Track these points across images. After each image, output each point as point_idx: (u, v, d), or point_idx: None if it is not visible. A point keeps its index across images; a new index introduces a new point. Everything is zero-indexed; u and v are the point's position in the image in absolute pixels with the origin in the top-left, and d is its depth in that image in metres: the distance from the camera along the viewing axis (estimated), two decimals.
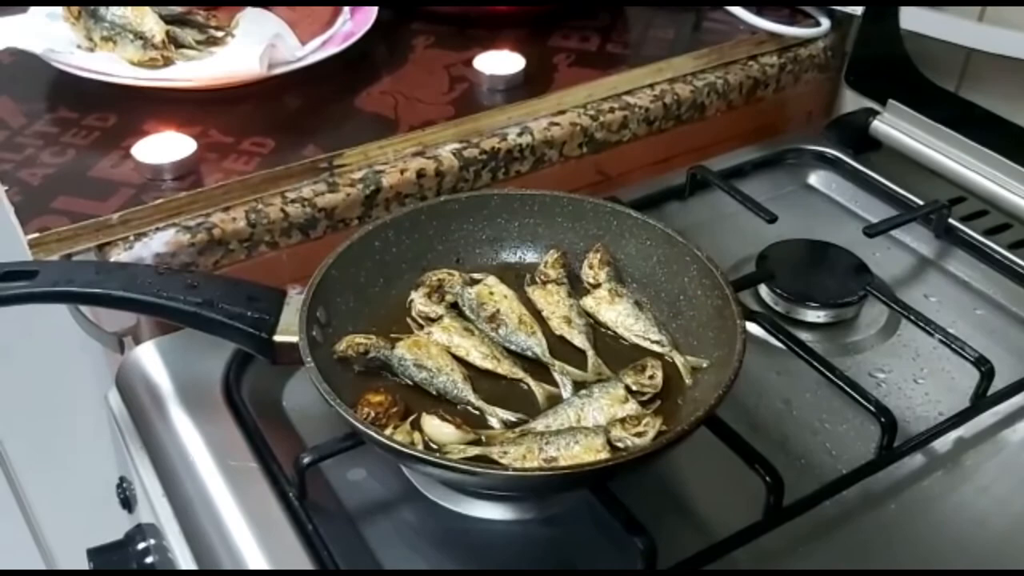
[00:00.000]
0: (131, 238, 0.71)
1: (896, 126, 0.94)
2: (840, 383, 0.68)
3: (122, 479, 0.73)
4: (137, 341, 0.80)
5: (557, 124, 0.86)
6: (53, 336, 0.96)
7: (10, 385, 1.13)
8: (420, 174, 0.80)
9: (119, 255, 0.70)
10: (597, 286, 0.70)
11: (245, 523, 0.60)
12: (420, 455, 0.54)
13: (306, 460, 0.59)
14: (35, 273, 0.60)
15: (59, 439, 1.13)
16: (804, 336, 0.75)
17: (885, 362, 0.75)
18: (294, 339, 0.60)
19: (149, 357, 0.71)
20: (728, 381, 0.58)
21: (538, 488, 0.59)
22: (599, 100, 0.89)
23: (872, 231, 0.82)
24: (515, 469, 0.55)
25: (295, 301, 0.63)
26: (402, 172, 0.79)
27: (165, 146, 0.75)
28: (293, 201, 0.75)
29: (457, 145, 0.82)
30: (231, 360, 0.69)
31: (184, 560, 0.60)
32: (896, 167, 0.93)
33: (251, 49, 0.80)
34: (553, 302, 0.69)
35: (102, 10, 0.84)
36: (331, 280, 0.65)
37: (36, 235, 0.67)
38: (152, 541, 0.68)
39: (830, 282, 0.79)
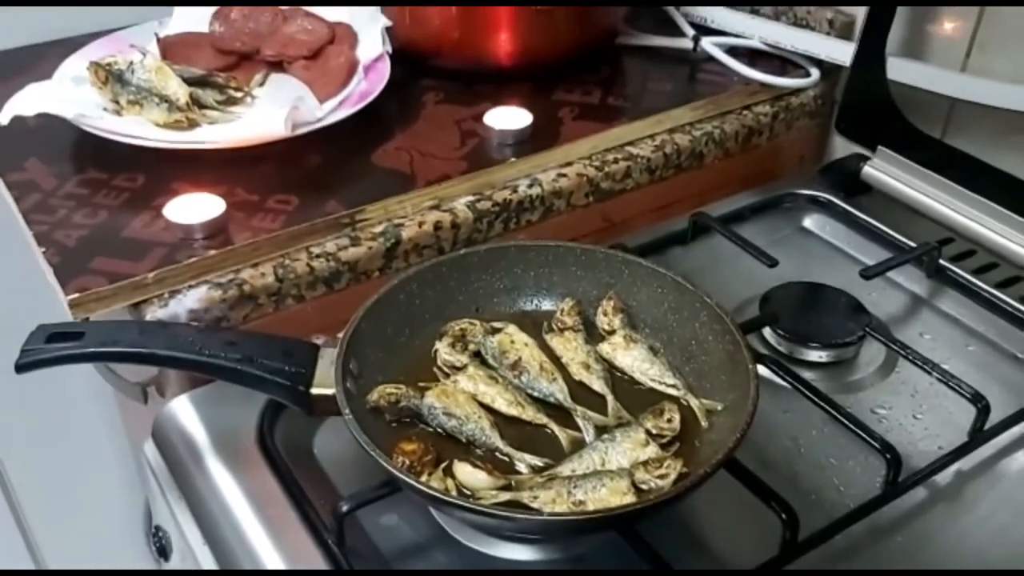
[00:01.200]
0: (165, 295, 0.74)
1: (885, 171, 0.99)
2: (846, 421, 0.71)
3: (157, 528, 0.76)
4: (160, 391, 0.83)
5: (565, 175, 0.90)
6: (64, 385, 0.98)
7: (21, 432, 1.15)
8: (437, 226, 0.83)
9: (154, 312, 0.73)
10: (612, 332, 0.73)
11: (285, 567, 0.62)
12: (459, 503, 0.57)
13: (345, 508, 0.62)
14: (81, 334, 0.63)
15: (74, 488, 1.15)
16: (807, 375, 0.78)
17: (885, 399, 0.79)
18: (330, 391, 0.63)
19: (184, 409, 0.74)
20: (744, 425, 0.61)
21: (570, 531, 0.62)
22: (603, 151, 0.93)
23: (869, 273, 0.87)
24: (548, 514, 0.58)
25: (328, 354, 0.66)
26: (420, 225, 0.83)
27: (195, 206, 0.78)
28: (318, 256, 0.79)
29: (471, 198, 0.86)
30: (264, 410, 0.72)
31: None
32: (886, 210, 0.97)
33: (275, 111, 0.84)
34: (571, 348, 0.72)
35: (128, 74, 0.87)
36: (361, 333, 0.68)
37: (76, 295, 0.70)
38: None
39: (830, 323, 0.83)
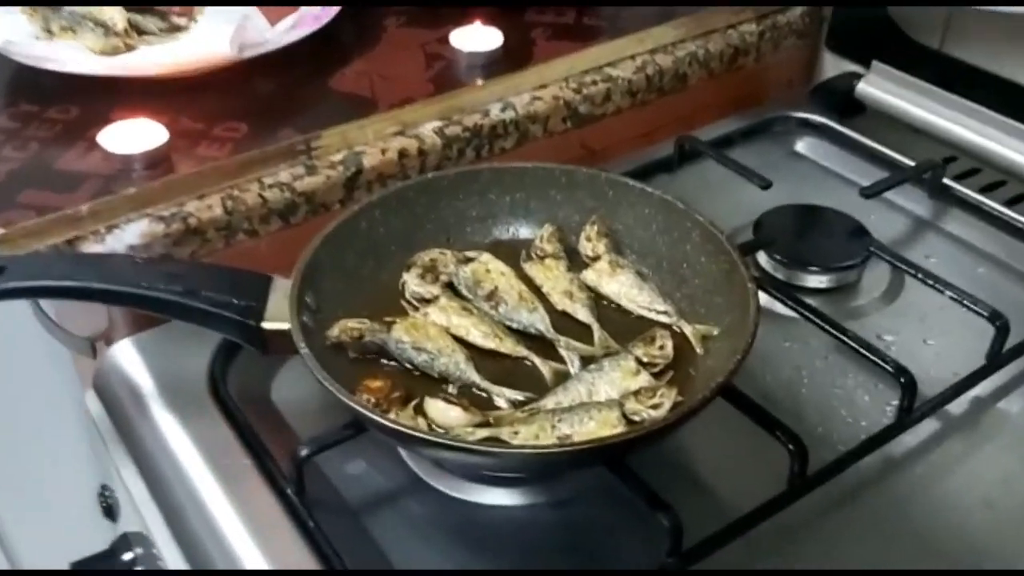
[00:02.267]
0: (102, 231, 0.67)
1: (881, 87, 0.92)
2: (854, 345, 0.66)
3: (104, 487, 0.69)
4: (110, 344, 0.76)
5: (540, 98, 0.83)
6: (15, 343, 0.91)
7: None
8: (402, 154, 0.76)
9: (90, 249, 0.66)
10: (596, 259, 0.67)
11: (241, 524, 0.56)
12: (432, 438, 0.50)
13: (304, 452, 0.56)
14: (2, 269, 0.56)
15: (28, 450, 1.08)
16: (808, 302, 0.72)
17: (892, 325, 0.73)
18: (285, 326, 0.57)
19: (127, 355, 0.67)
20: (746, 345, 0.55)
21: (556, 466, 0.56)
22: (581, 73, 0.86)
23: (869, 192, 0.81)
24: (531, 447, 0.52)
25: (282, 286, 0.60)
26: (383, 152, 0.76)
27: (134, 134, 0.71)
28: (271, 186, 0.72)
29: (439, 123, 0.79)
30: (215, 354, 0.65)
31: (176, 567, 0.56)
32: (883, 130, 0.91)
33: (219, 31, 0.76)
34: (552, 277, 0.66)
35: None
36: (319, 263, 0.62)
37: (1, 231, 0.63)
38: (139, 551, 0.64)
39: (830, 246, 0.77)
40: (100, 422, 0.66)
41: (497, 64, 0.83)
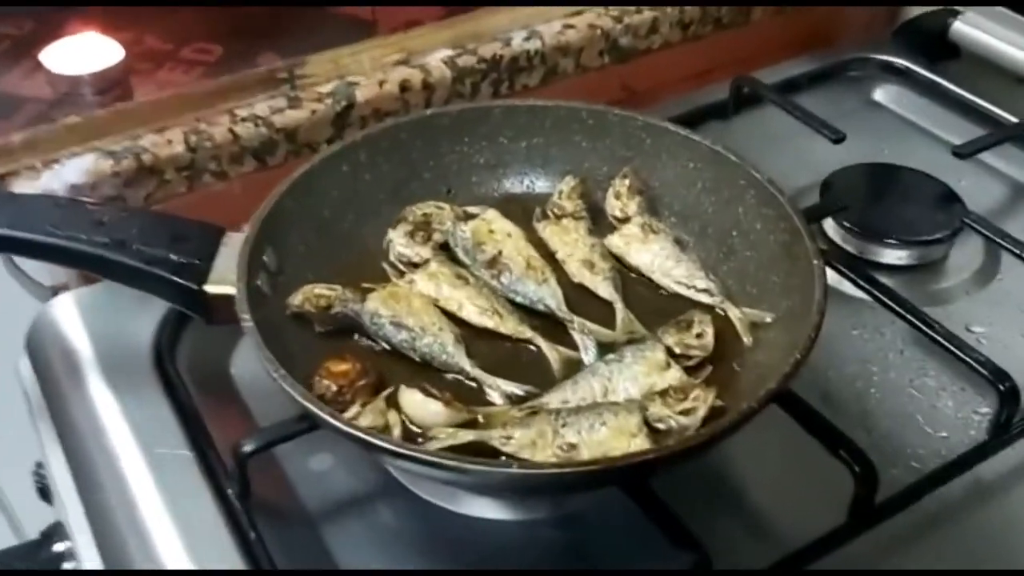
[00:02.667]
0: (38, 166, 0.56)
1: (981, 27, 0.78)
2: (940, 339, 0.53)
3: (39, 465, 0.60)
4: None
5: (572, 27, 0.70)
6: None
7: None
8: (404, 87, 0.65)
9: (23, 187, 0.55)
10: (626, 220, 0.55)
11: (173, 527, 0.46)
12: (387, 445, 0.39)
13: (248, 448, 0.45)
14: None
15: None
16: (883, 281, 0.60)
17: (985, 314, 0.61)
18: (230, 290, 0.46)
19: (66, 313, 0.57)
20: (807, 340, 0.44)
21: (551, 489, 0.44)
22: None
23: (963, 151, 0.67)
24: (520, 465, 0.40)
25: (235, 241, 0.49)
26: (381, 85, 0.64)
27: (84, 52, 0.60)
28: (244, 120, 0.61)
29: (450, 52, 0.67)
30: (166, 317, 0.55)
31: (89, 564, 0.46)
32: (981, 78, 0.78)
33: None
34: (570, 241, 0.54)
35: None
36: (285, 214, 0.51)
37: None
38: (71, 543, 0.55)
39: (912, 215, 0.64)
40: (32, 391, 0.56)
41: None
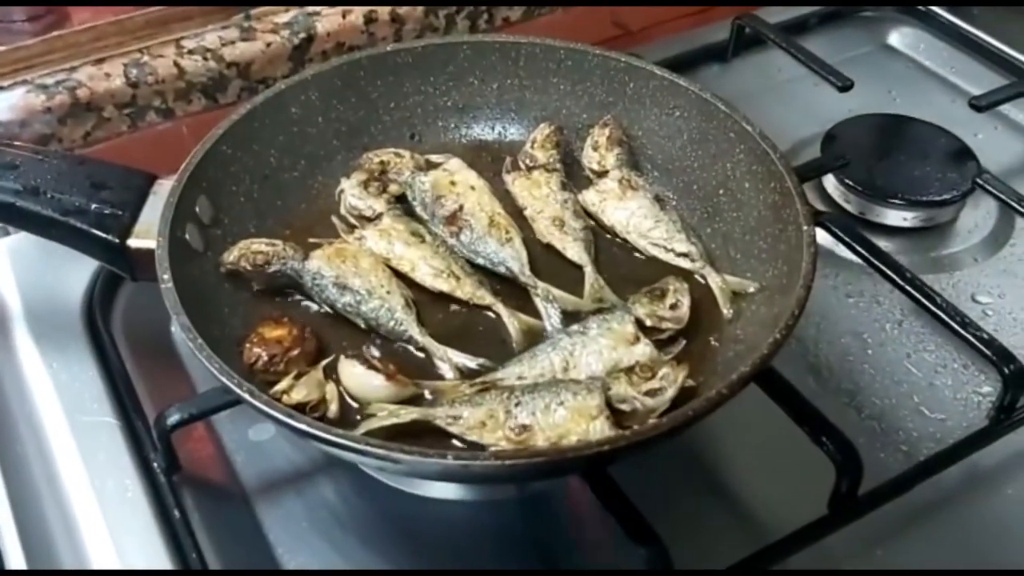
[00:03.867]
0: None
1: None
2: (940, 313, 0.49)
3: None
4: None
5: None
6: None
7: None
8: (369, 19, 0.59)
9: None
10: (603, 174, 0.50)
11: (94, 500, 0.43)
12: (306, 427, 0.35)
13: (172, 419, 0.41)
14: None
15: None
16: (884, 244, 0.55)
17: (993, 283, 0.56)
18: (154, 244, 0.42)
19: None
20: (791, 317, 0.39)
21: (494, 480, 0.40)
22: None
23: (982, 103, 0.62)
24: (457, 455, 0.36)
25: (165, 191, 0.44)
26: (344, 16, 0.59)
27: None
28: (192, 52, 0.55)
29: None
30: (100, 270, 0.51)
31: (9, 546, 0.43)
32: (1006, 22, 0.71)
33: None
34: (541, 196, 0.49)
35: None
36: (222, 159, 0.46)
37: None
38: None
39: (921, 172, 0.59)
40: None
41: None
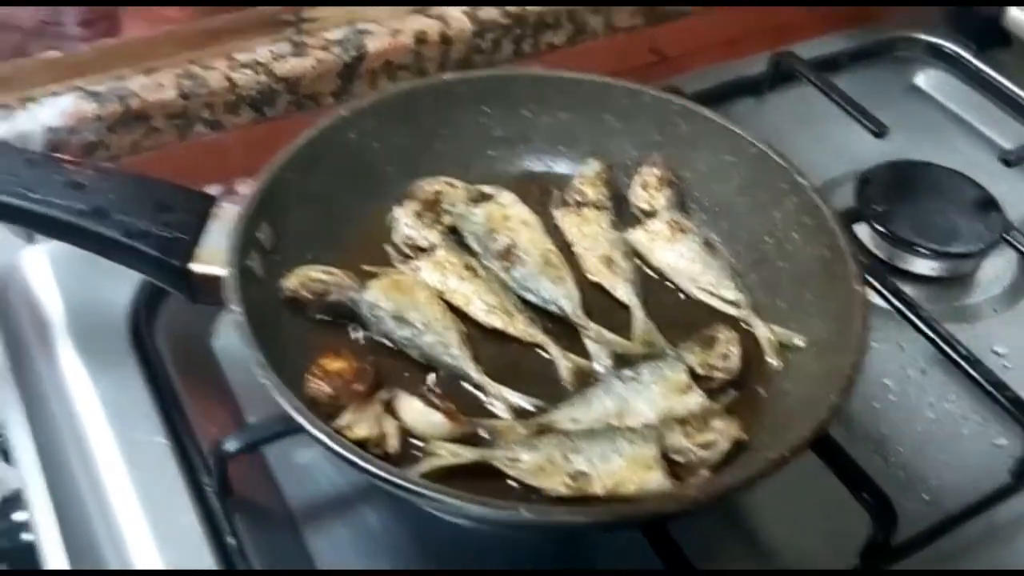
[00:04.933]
0: (12, 103, 0.51)
1: None
2: (965, 365, 0.50)
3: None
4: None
5: None
6: None
7: None
8: (420, 39, 0.59)
9: None
10: (652, 215, 0.51)
11: (145, 523, 0.43)
12: (377, 470, 0.36)
13: (231, 448, 0.42)
14: None
15: None
16: (909, 292, 0.56)
17: (1012, 335, 0.57)
18: (219, 271, 0.42)
19: (37, 268, 0.52)
20: (846, 381, 0.40)
21: (562, 531, 0.41)
22: None
23: (1011, 158, 0.63)
24: (528, 508, 0.36)
25: (226, 214, 0.44)
26: (395, 35, 0.59)
27: None
28: (244, 66, 0.55)
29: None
30: (145, 282, 0.51)
31: (52, 556, 0.43)
32: None
33: None
34: (590, 234, 0.50)
35: None
36: (284, 186, 0.46)
37: None
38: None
39: (950, 222, 0.60)
40: None
41: None
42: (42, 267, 0.52)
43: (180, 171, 0.56)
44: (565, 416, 0.43)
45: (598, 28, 0.66)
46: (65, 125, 0.51)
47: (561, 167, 0.54)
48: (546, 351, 0.46)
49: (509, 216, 0.49)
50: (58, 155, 0.48)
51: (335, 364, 0.43)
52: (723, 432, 0.41)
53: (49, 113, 0.51)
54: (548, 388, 0.44)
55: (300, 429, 0.41)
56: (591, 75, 0.53)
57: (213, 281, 0.42)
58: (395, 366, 0.45)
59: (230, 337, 0.50)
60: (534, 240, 0.49)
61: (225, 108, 0.56)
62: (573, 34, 0.65)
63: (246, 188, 0.59)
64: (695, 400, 0.43)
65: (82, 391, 0.48)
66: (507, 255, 0.48)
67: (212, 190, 0.58)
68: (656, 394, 0.43)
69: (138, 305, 0.50)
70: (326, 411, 0.41)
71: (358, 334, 0.46)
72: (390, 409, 0.42)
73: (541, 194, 0.52)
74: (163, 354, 0.49)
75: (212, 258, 0.43)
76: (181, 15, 0.55)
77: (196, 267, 0.43)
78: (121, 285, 0.51)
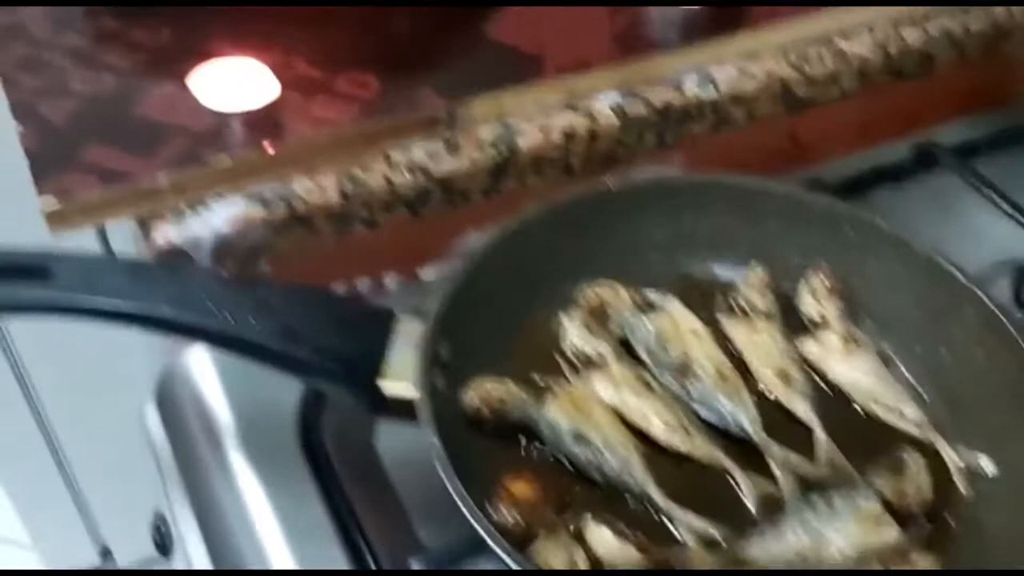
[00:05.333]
0: (183, 208, 0.52)
1: None
2: None
3: (159, 517, 0.56)
4: None
5: (750, 74, 0.64)
6: None
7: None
8: (569, 135, 0.59)
9: (167, 233, 0.51)
10: (823, 326, 0.50)
11: None
12: None
13: (417, 567, 0.41)
14: (46, 271, 0.42)
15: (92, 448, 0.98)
16: None
17: None
18: (410, 393, 0.42)
19: (201, 367, 0.53)
20: None
21: None
22: (804, 44, 0.67)
23: None
24: None
25: (409, 331, 0.44)
26: (545, 132, 0.59)
27: (236, 78, 0.55)
28: (401, 167, 0.56)
29: (618, 98, 0.61)
30: (309, 390, 0.51)
31: None
32: None
33: None
34: (763, 345, 0.49)
35: None
36: (461, 302, 0.46)
37: (55, 204, 0.49)
38: None
39: None
40: (159, 444, 0.53)
41: (698, 24, 0.64)
42: (207, 366, 0.53)
43: (331, 266, 0.57)
44: (757, 548, 0.41)
45: (739, 118, 0.65)
46: (234, 230, 0.52)
47: (723, 271, 0.53)
48: (730, 474, 0.45)
49: (680, 326, 0.48)
50: (242, 276, 0.49)
51: (520, 487, 0.42)
52: (923, 567, 0.39)
53: (219, 219, 0.52)
54: (731, 512, 0.43)
55: (488, 551, 0.40)
56: (753, 180, 0.52)
57: (401, 400, 0.42)
58: (574, 484, 0.44)
59: (395, 439, 0.51)
60: (708, 353, 0.48)
61: (381, 207, 0.56)
62: (714, 124, 0.64)
63: (393, 282, 0.60)
64: (890, 533, 0.41)
65: (254, 496, 0.48)
66: (684, 371, 0.47)
67: (362, 284, 0.59)
68: (851, 526, 0.41)
69: (306, 408, 0.50)
70: (516, 537, 0.41)
71: (535, 449, 0.45)
72: (578, 535, 0.41)
73: (703, 299, 0.52)
74: (332, 458, 0.48)
75: (399, 375, 0.43)
76: (341, 116, 0.55)
77: (387, 386, 0.43)
78: (286, 386, 0.51)
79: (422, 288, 0.58)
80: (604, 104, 0.61)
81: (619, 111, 0.61)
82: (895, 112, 0.72)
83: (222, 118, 0.54)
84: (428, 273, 0.60)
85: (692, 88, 0.63)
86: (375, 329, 0.44)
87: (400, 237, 0.58)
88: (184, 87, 0.55)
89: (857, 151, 0.70)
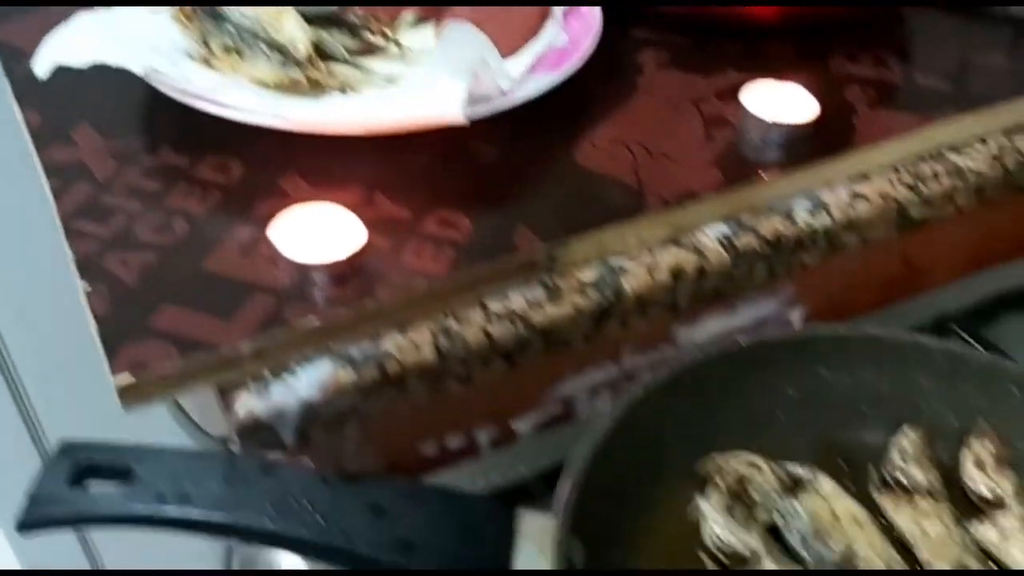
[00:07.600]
0: (267, 376, 0.47)
1: None
2: None
3: None
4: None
5: (863, 197, 0.59)
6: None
7: None
8: (676, 274, 0.54)
9: (248, 404, 0.46)
10: (997, 505, 0.44)
11: None
12: None
13: None
14: (129, 473, 0.36)
15: None
16: None
17: None
18: None
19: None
20: None
21: None
22: (915, 160, 0.62)
23: None
24: None
25: (533, 530, 0.39)
26: (650, 271, 0.54)
27: (317, 225, 0.50)
28: (500, 317, 0.51)
29: (726, 230, 0.56)
30: None
31: None
32: None
33: (439, 78, 0.54)
34: (934, 534, 0.43)
35: (225, 9, 0.59)
36: (587, 494, 0.40)
37: (128, 379, 0.44)
38: None
39: None
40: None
41: (806, 142, 0.60)
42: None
43: (418, 423, 0.51)
44: None
45: (851, 243, 0.60)
46: (322, 398, 0.47)
47: (866, 434, 0.47)
48: None
49: (838, 514, 0.42)
50: (345, 474, 0.43)
51: None
52: None
53: (306, 383, 0.47)
54: None
55: None
56: (899, 332, 0.47)
57: None
58: None
59: None
60: (874, 546, 0.42)
61: (479, 362, 0.51)
62: (827, 252, 0.59)
63: (486, 438, 0.54)
64: None
65: None
66: (848, 566, 0.41)
67: (453, 440, 0.54)
68: None
69: None
70: None
71: None
72: None
73: (852, 471, 0.46)
74: None
75: None
76: (434, 263, 0.50)
77: None
78: None
79: (519, 449, 0.53)
80: (712, 237, 0.56)
81: (728, 244, 0.55)
82: (1001, 230, 0.67)
83: (305, 271, 0.49)
84: (522, 425, 0.55)
85: (803, 215, 0.58)
86: (498, 532, 0.39)
87: (494, 388, 0.53)
88: (261, 233, 0.51)
89: (973, 272, 0.65)
